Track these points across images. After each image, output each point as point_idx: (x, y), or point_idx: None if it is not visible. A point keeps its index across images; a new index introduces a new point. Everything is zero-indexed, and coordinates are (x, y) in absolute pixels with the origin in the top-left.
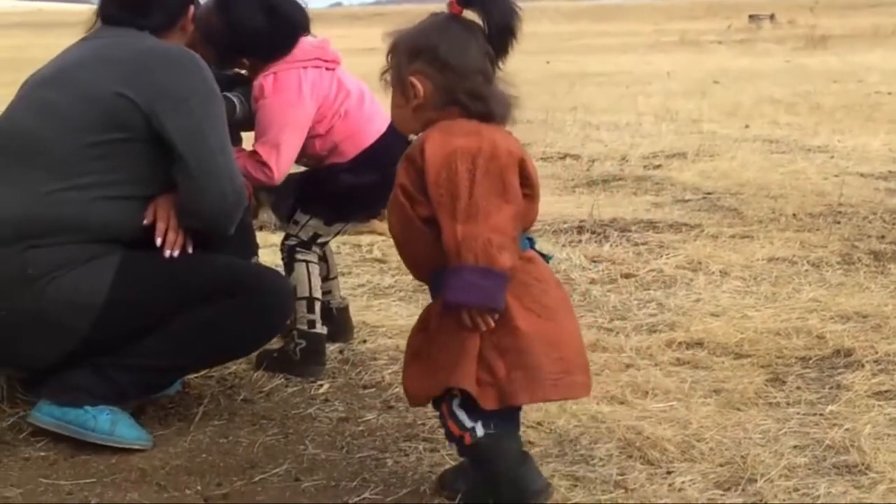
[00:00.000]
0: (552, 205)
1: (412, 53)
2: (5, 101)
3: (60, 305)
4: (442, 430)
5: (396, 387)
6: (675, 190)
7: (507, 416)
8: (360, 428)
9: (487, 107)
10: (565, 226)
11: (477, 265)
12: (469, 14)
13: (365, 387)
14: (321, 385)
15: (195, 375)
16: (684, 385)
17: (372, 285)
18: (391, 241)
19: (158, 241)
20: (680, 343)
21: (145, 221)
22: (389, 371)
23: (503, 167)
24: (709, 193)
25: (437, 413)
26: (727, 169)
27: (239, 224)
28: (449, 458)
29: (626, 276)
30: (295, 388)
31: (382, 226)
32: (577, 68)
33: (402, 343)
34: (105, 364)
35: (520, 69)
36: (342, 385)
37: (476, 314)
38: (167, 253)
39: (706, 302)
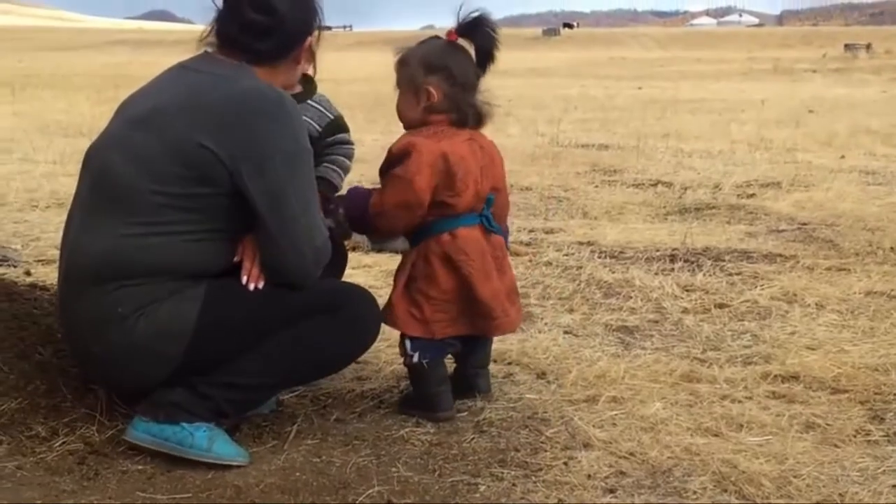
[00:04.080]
0: (643, 232)
1: (428, 68)
2: (106, 116)
3: (151, 338)
4: (536, 456)
5: (490, 411)
6: (770, 220)
7: (435, 350)
8: (453, 451)
9: (475, 112)
10: (657, 254)
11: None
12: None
13: (458, 411)
14: None
15: (289, 395)
16: (780, 419)
17: None
18: None
19: (244, 279)
20: (775, 376)
21: (235, 259)
22: (482, 395)
23: (418, 167)
24: (804, 224)
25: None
26: (822, 200)
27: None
28: (542, 484)
29: (720, 306)
30: (387, 410)
31: None
32: (670, 95)
33: (495, 367)
34: (199, 382)
35: (610, 95)
36: None
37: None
38: (251, 286)
39: (802, 335)
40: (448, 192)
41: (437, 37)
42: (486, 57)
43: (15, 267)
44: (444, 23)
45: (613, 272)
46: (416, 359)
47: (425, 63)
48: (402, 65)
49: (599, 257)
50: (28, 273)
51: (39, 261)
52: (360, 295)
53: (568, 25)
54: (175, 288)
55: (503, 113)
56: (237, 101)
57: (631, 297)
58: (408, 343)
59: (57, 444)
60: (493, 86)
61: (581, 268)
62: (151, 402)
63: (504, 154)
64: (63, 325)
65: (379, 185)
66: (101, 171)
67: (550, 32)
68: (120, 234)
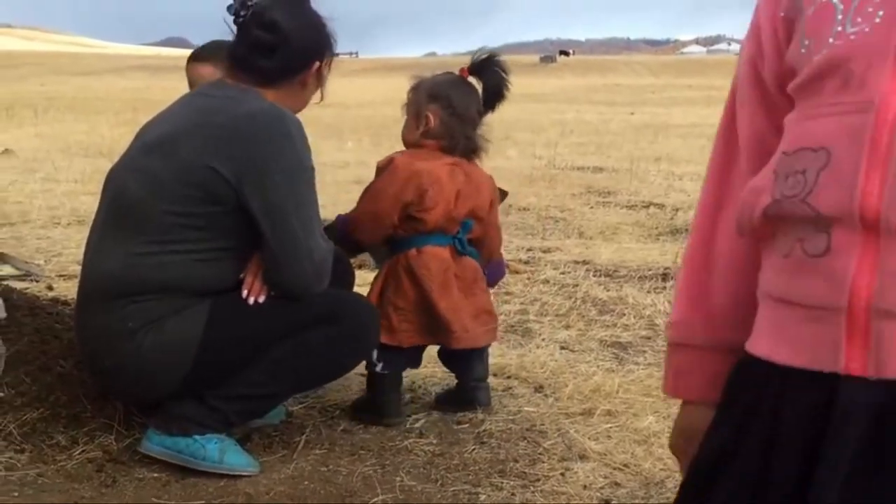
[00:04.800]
0: (637, 251)
1: (431, 96)
2: (125, 138)
3: (159, 352)
4: (534, 467)
5: (489, 423)
6: None
7: (398, 363)
8: (454, 461)
9: (467, 143)
10: (650, 272)
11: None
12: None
13: (458, 422)
14: (417, 420)
15: (298, 405)
16: None
17: None
18: None
19: (245, 293)
20: None
21: (242, 275)
22: (483, 408)
23: (391, 180)
24: None
25: None
26: None
27: (337, 261)
28: (540, 494)
29: None
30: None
31: None
32: (661, 120)
33: (495, 381)
34: (208, 395)
35: (605, 120)
36: (437, 420)
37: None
38: (251, 300)
39: None
40: (417, 206)
41: (451, 72)
42: (493, 95)
43: (37, 282)
44: (446, 50)
45: (608, 290)
46: (378, 368)
47: (430, 91)
48: (412, 91)
49: (594, 276)
50: (50, 288)
51: (61, 276)
52: (361, 305)
53: (564, 53)
54: (182, 304)
55: (502, 137)
56: (241, 121)
57: (625, 315)
58: (374, 353)
59: (77, 452)
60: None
61: (577, 286)
62: (164, 416)
63: (502, 175)
64: (79, 340)
65: None
66: (116, 194)
67: (547, 59)
68: (133, 253)
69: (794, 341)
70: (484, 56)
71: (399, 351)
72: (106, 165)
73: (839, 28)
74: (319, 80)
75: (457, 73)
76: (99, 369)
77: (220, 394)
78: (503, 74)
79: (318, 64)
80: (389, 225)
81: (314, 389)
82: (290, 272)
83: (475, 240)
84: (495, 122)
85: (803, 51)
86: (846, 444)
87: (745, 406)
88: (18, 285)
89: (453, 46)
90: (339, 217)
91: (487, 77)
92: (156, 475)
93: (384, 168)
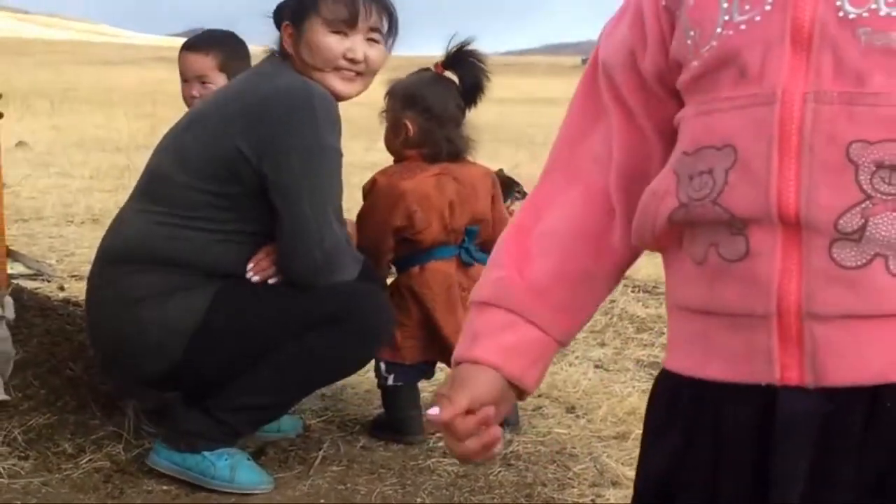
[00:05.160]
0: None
1: (406, 102)
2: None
3: (156, 327)
4: (563, 492)
5: (517, 444)
6: None
7: (408, 374)
8: (479, 484)
9: (451, 147)
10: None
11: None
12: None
13: None
14: (440, 438)
15: (316, 419)
16: None
17: None
18: None
19: (249, 271)
20: None
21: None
22: (510, 428)
23: (375, 208)
24: None
25: None
26: None
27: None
28: None
29: None
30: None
31: None
32: None
33: (525, 401)
34: (214, 407)
35: None
36: None
37: None
38: (254, 278)
39: None
40: (409, 230)
41: (427, 69)
42: (473, 89)
43: (49, 282)
44: (486, 50)
45: (647, 307)
46: (389, 381)
47: (405, 96)
48: (388, 97)
49: (633, 291)
50: (62, 288)
51: (73, 276)
52: (368, 301)
53: None
54: (189, 283)
55: (541, 142)
56: (267, 98)
57: (664, 333)
58: (382, 366)
59: (83, 461)
60: (531, 113)
61: (614, 301)
62: (171, 431)
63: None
64: (85, 307)
65: None
66: (152, 167)
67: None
68: (152, 222)
69: (721, 354)
70: (457, 47)
71: (408, 365)
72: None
73: (726, 17)
74: (309, 47)
75: (431, 69)
76: (98, 338)
77: (225, 405)
78: (480, 65)
79: (289, 27)
80: (387, 251)
81: (334, 403)
82: (298, 258)
83: (486, 242)
84: (534, 127)
85: (689, 42)
86: (794, 460)
87: (681, 430)
88: (29, 285)
89: (492, 46)
90: None
91: (464, 70)
92: (165, 488)
93: (368, 192)
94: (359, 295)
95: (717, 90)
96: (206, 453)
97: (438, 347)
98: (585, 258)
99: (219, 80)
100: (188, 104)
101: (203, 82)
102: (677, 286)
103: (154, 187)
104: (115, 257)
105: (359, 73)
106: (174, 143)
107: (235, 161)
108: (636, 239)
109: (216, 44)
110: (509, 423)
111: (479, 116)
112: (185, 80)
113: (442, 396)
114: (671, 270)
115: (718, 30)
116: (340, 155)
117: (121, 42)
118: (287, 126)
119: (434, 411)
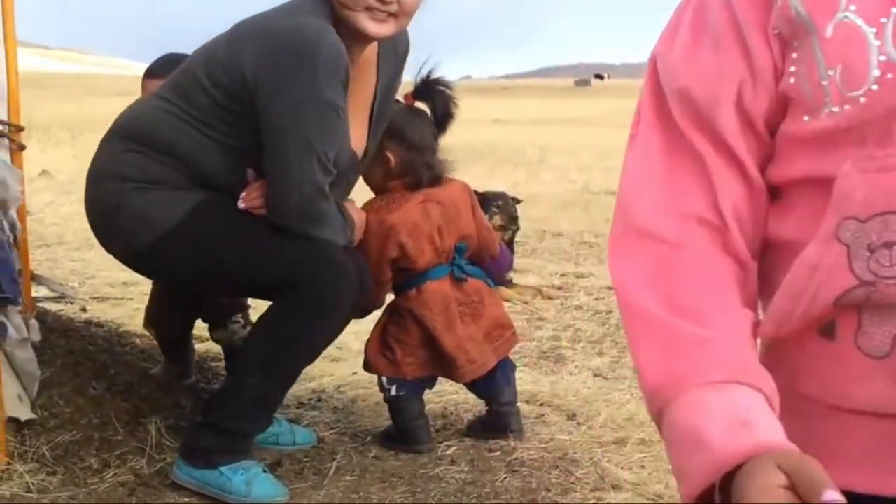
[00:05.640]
0: None
1: (386, 135)
2: None
3: (134, 212)
4: (567, 496)
5: (521, 451)
6: None
7: (413, 386)
8: (486, 490)
9: (431, 173)
10: None
11: None
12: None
13: (490, 450)
14: (448, 447)
15: (329, 431)
16: None
17: None
18: (516, 308)
19: (241, 195)
20: None
21: (249, 178)
22: (514, 435)
23: (369, 245)
24: None
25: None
26: None
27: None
28: None
29: None
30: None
31: (508, 292)
32: None
33: (527, 408)
34: (217, 420)
35: None
36: (468, 447)
37: None
38: (241, 204)
39: None
40: (404, 261)
41: (398, 101)
42: (444, 117)
43: (72, 304)
44: (482, 74)
45: None
46: (393, 392)
47: (385, 130)
48: None
49: None
50: (84, 310)
51: (95, 298)
52: (321, 271)
53: (599, 77)
54: (178, 183)
55: (537, 161)
56: (279, 34)
57: None
58: (384, 378)
59: (108, 475)
60: (527, 134)
61: (611, 312)
62: (188, 447)
63: (536, 200)
64: (85, 183)
65: None
66: (187, 61)
67: (582, 83)
68: (166, 111)
69: None
70: (424, 79)
71: (407, 380)
72: None
73: (881, 57)
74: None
75: (402, 101)
76: (86, 201)
77: (225, 414)
78: (449, 93)
79: None
80: (386, 282)
81: (346, 415)
82: (277, 197)
83: (474, 254)
84: (531, 147)
85: (824, 82)
86: None
87: None
88: (53, 307)
89: (489, 70)
90: None
91: (434, 100)
92: (187, 500)
93: (360, 228)
94: (312, 266)
95: (889, 141)
96: (223, 468)
97: (439, 363)
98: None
99: None
100: None
101: None
102: (838, 382)
103: (179, 79)
104: (122, 133)
105: (391, 14)
106: (212, 43)
107: (239, 82)
108: (773, 319)
109: (174, 66)
110: (513, 430)
111: (477, 138)
112: None
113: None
114: (829, 364)
115: (875, 72)
116: (337, 108)
117: (133, 74)
118: (285, 69)
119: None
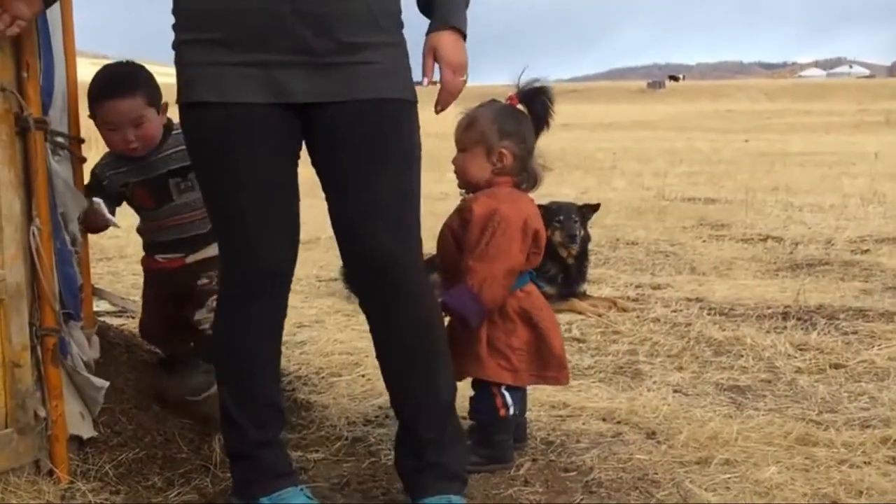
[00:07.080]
0: (754, 288)
1: (502, 132)
2: None
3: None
4: None
5: (599, 471)
6: (886, 277)
7: (523, 401)
8: None
9: (534, 177)
10: (769, 311)
11: (471, 290)
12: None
13: (566, 470)
14: (521, 465)
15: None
16: None
17: (572, 365)
18: (590, 321)
19: None
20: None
21: None
22: (591, 454)
23: (513, 234)
24: None
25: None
26: None
27: None
28: None
29: (835, 366)
30: (494, 467)
31: (582, 305)
32: (778, 147)
33: (603, 426)
34: (234, 451)
35: (717, 148)
36: (543, 467)
37: (454, 317)
38: None
39: None
40: (534, 249)
41: (495, 100)
42: (541, 125)
43: (133, 318)
44: (550, 77)
45: (724, 329)
46: (512, 411)
47: (501, 126)
48: (473, 125)
49: (709, 314)
50: None
51: None
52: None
53: (673, 78)
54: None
55: (609, 167)
56: None
57: (742, 356)
58: (507, 396)
59: (172, 494)
60: (597, 138)
61: (690, 324)
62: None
63: (609, 207)
64: None
65: None
66: None
67: (656, 85)
68: None
69: None
70: (535, 86)
71: (522, 390)
72: None
73: None
74: None
75: (504, 101)
76: None
77: (228, 434)
78: (549, 104)
79: None
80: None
81: None
82: None
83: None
84: (601, 152)
85: None
86: None
87: None
88: (115, 322)
89: (557, 73)
90: (454, 294)
91: (537, 107)
92: None
93: (487, 219)
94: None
95: None
96: (264, 500)
97: (542, 367)
98: None
99: (152, 116)
100: (125, 152)
101: (138, 124)
102: None
103: None
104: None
105: None
106: None
107: None
108: None
109: (134, 80)
110: (518, 439)
111: (544, 143)
112: (114, 129)
113: None
114: None
115: None
116: None
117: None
118: None
119: None
